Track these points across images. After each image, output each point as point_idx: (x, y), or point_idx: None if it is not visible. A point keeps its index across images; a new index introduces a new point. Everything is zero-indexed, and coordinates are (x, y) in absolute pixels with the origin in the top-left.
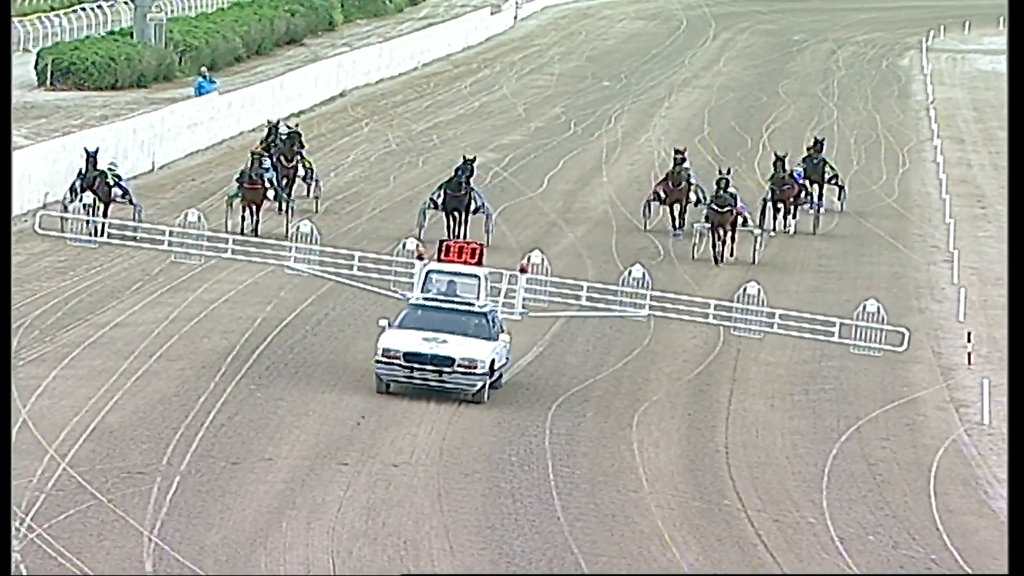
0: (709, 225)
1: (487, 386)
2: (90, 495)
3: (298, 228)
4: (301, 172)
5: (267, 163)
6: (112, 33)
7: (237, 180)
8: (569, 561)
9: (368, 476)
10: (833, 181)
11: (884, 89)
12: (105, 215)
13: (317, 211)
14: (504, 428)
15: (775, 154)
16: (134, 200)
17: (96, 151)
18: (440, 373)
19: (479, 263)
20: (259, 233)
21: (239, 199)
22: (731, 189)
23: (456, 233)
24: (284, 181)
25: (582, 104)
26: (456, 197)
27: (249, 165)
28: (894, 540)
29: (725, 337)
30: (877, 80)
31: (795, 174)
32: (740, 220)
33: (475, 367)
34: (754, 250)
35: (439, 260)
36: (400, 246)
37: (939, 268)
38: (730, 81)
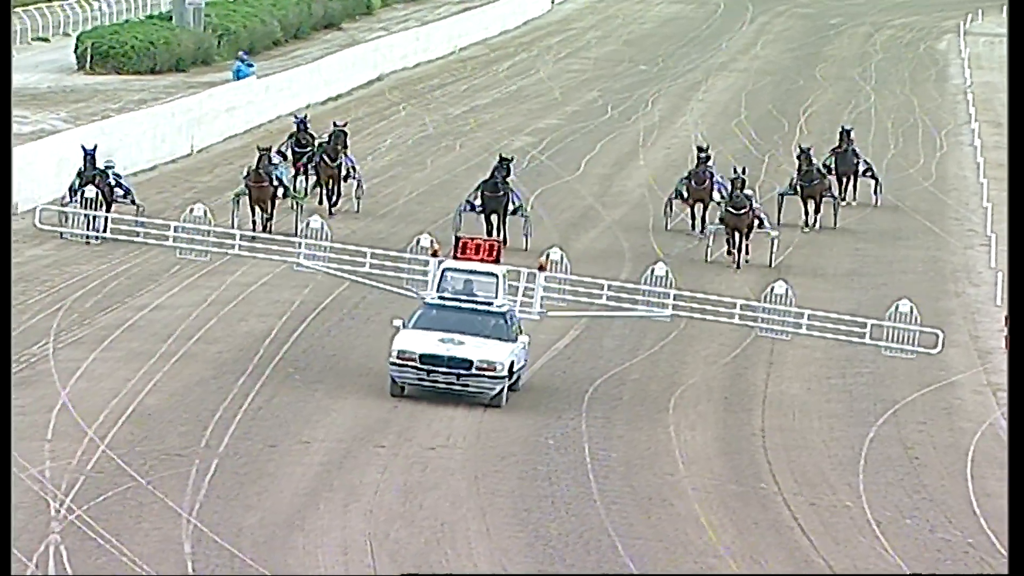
0: (724, 227)
1: (505, 389)
2: (129, 477)
3: (308, 224)
4: (344, 172)
5: (276, 159)
6: (151, 17)
7: (244, 177)
8: (605, 544)
9: (405, 459)
10: (868, 174)
11: (921, 73)
12: (108, 211)
13: (359, 211)
14: (540, 411)
15: (799, 147)
16: (136, 199)
17: (94, 149)
18: (458, 376)
19: (496, 261)
20: (271, 231)
21: (246, 196)
22: (747, 190)
23: (495, 235)
24: (330, 182)
25: (619, 88)
26: (494, 198)
27: (256, 162)
28: (931, 523)
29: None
30: (914, 64)
31: (825, 166)
32: (756, 222)
33: (494, 369)
34: (771, 252)
35: (455, 258)
36: (414, 242)
37: (976, 252)
38: (767, 65)
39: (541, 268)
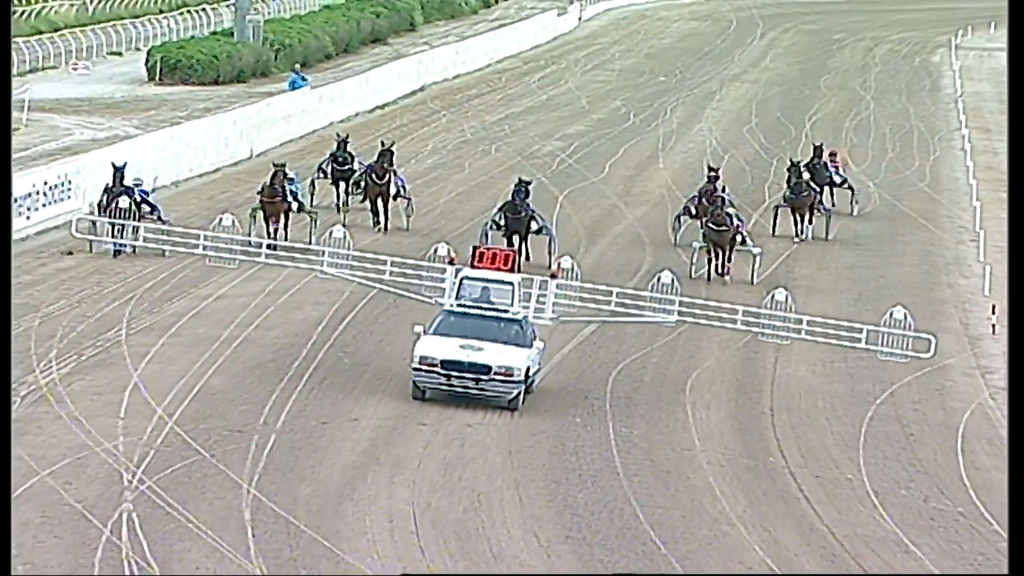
0: (705, 243)
1: (522, 393)
2: (194, 451)
3: (331, 233)
4: (393, 190)
5: (292, 175)
6: (214, 33)
7: (258, 192)
8: (628, 512)
9: (445, 435)
10: (844, 185)
11: (917, 83)
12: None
13: (408, 228)
14: (568, 392)
15: (790, 160)
16: (163, 216)
17: (124, 166)
18: (477, 381)
19: (512, 270)
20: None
21: (260, 212)
22: (729, 209)
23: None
24: (378, 200)
25: (640, 97)
26: (516, 219)
27: (271, 177)
28: (925, 494)
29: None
30: (910, 75)
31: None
32: (739, 239)
33: (512, 375)
34: (752, 270)
35: (472, 266)
36: (432, 251)
37: (967, 247)
38: (776, 76)
39: (553, 276)
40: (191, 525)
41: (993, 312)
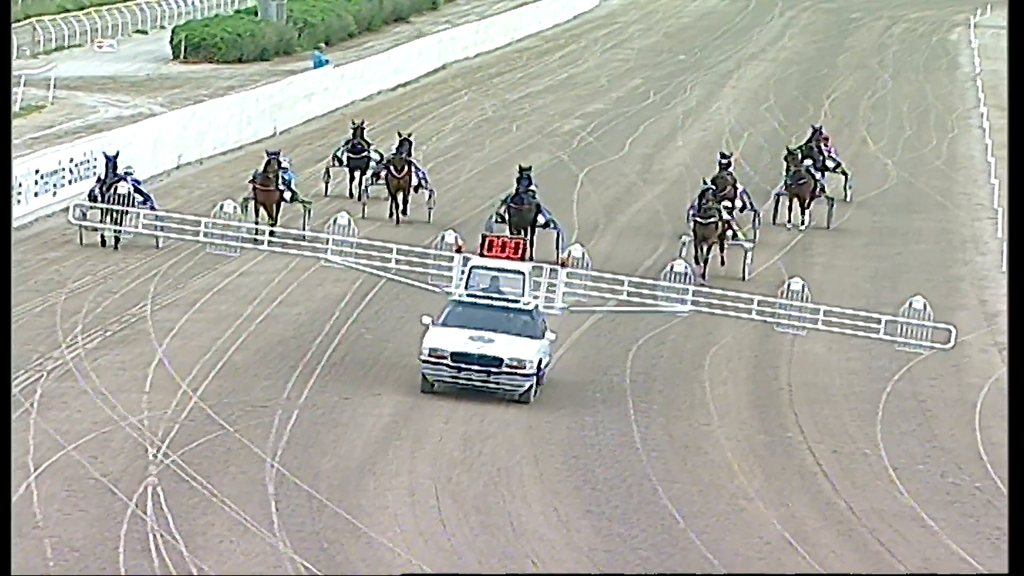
0: (693, 237)
1: (534, 386)
2: (218, 426)
3: (335, 220)
4: (415, 181)
5: (285, 163)
6: (238, 12)
7: (250, 181)
8: (647, 487)
9: (465, 410)
10: (837, 169)
11: (934, 62)
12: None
13: (430, 221)
14: (587, 367)
15: (787, 148)
16: (155, 206)
17: (116, 155)
18: (488, 373)
19: (522, 258)
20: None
21: (252, 201)
22: (724, 203)
23: None
24: (399, 193)
25: (659, 76)
26: (519, 212)
27: (263, 166)
28: (942, 469)
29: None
30: (928, 54)
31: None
32: (730, 233)
33: (523, 367)
34: (744, 265)
35: (481, 255)
36: (439, 239)
37: (983, 224)
38: (793, 55)
39: (563, 264)
40: (215, 499)
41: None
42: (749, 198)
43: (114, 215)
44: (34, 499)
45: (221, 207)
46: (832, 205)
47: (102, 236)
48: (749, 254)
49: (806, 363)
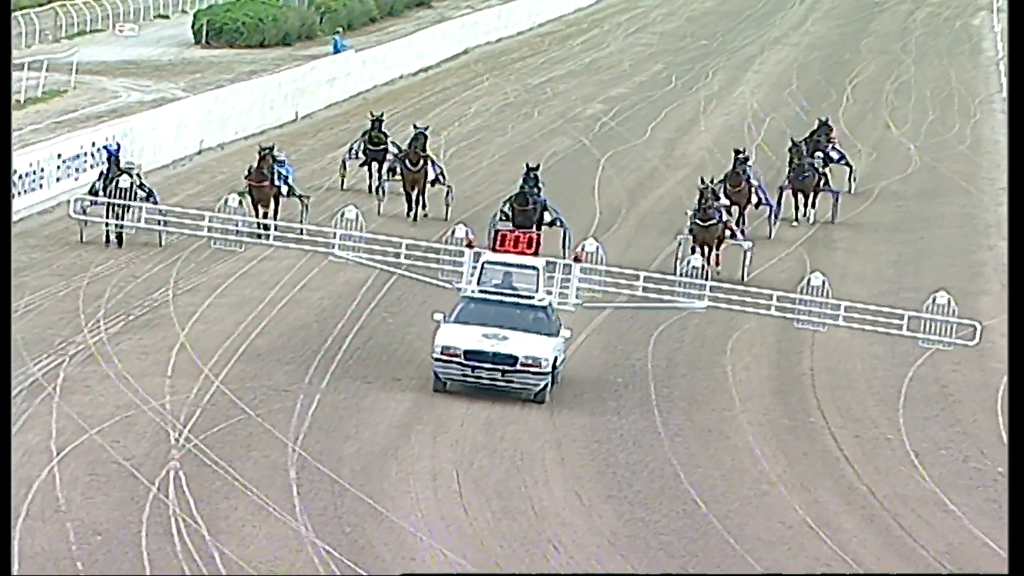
0: (692, 239)
1: (549, 385)
2: (240, 410)
3: (342, 214)
4: (431, 175)
5: (281, 157)
6: None
7: (245, 176)
8: (668, 472)
9: (487, 395)
10: (842, 161)
11: (957, 47)
12: (127, 209)
13: (447, 218)
14: (610, 353)
15: (791, 140)
16: (158, 200)
17: (118, 149)
18: (502, 372)
19: (535, 253)
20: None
21: (248, 196)
22: (723, 201)
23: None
24: (414, 189)
25: (682, 61)
26: (524, 212)
27: (258, 161)
28: (964, 454)
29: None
30: (951, 38)
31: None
32: (728, 234)
33: (539, 366)
34: (743, 266)
35: (494, 250)
36: (449, 233)
37: (1006, 209)
38: (816, 40)
39: (577, 259)
40: (237, 483)
41: None
42: (765, 193)
43: (116, 210)
44: (57, 483)
45: (226, 201)
46: (837, 198)
47: (106, 234)
48: (748, 254)
49: (828, 348)
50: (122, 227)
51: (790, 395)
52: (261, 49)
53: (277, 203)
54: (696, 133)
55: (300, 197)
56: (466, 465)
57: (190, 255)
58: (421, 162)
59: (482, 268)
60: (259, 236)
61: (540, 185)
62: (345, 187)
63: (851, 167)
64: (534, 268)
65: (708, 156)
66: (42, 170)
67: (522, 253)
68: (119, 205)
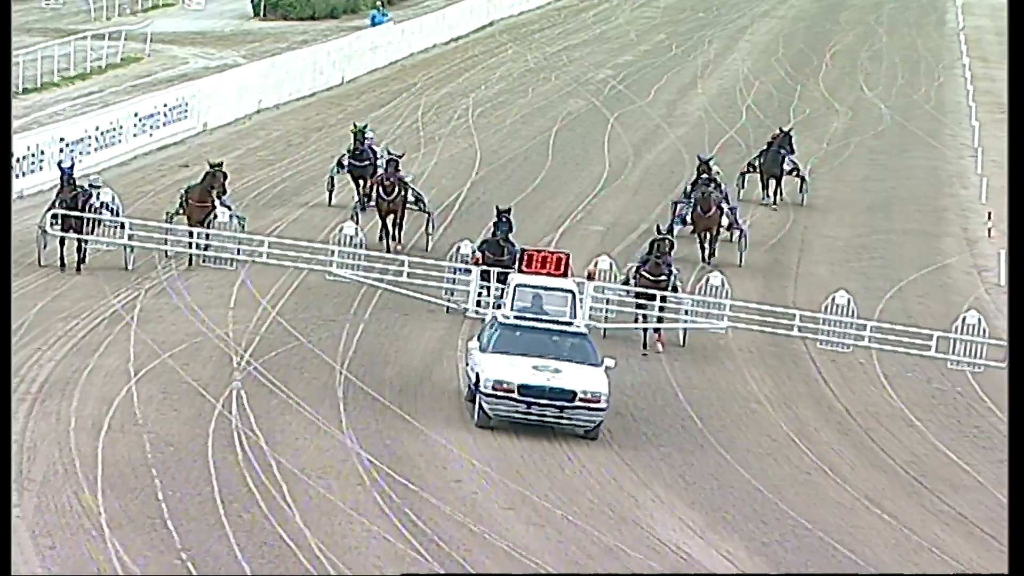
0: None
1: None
2: (294, 338)
3: (341, 230)
4: (413, 198)
5: (227, 194)
6: None
7: (183, 194)
8: (669, 392)
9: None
10: (794, 173)
11: (924, 18)
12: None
13: (428, 249)
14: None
15: (781, 128)
16: (126, 224)
17: (71, 167)
18: (561, 409)
19: (566, 274)
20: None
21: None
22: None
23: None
24: (390, 218)
25: (682, 31)
26: (500, 262)
27: (201, 179)
28: (928, 376)
29: (795, 216)
30: (918, 11)
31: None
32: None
33: (598, 401)
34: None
35: (521, 271)
36: (454, 250)
37: (966, 161)
38: (800, 12)
39: (590, 277)
40: (291, 401)
41: (989, 218)
42: (735, 214)
43: (85, 227)
44: (134, 400)
45: (216, 217)
46: (804, 182)
47: (61, 258)
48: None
49: (810, 282)
50: (85, 244)
51: (776, 325)
52: (312, 21)
53: (210, 225)
54: (694, 95)
55: (239, 218)
56: None
57: (250, 202)
58: (396, 190)
59: (514, 291)
60: (252, 252)
61: (513, 231)
62: (333, 203)
63: (804, 179)
64: (569, 291)
65: (704, 115)
66: (121, 128)
67: (550, 274)
68: (91, 222)
